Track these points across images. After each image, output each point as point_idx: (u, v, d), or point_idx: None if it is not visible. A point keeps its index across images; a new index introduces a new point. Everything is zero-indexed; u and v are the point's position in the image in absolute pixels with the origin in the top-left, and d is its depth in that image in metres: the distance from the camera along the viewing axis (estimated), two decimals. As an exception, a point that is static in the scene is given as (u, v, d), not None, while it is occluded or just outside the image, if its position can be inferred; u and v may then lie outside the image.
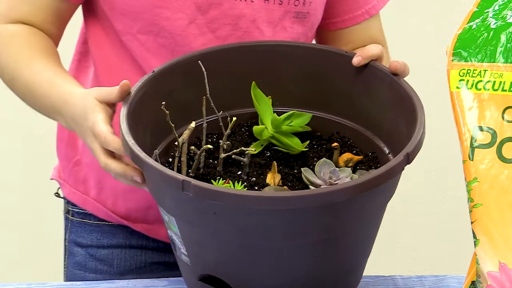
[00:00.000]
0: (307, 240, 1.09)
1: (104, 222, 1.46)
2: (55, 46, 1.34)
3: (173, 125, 1.16)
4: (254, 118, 1.29)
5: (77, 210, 1.48)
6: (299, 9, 1.33)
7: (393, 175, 1.07)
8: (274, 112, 1.26)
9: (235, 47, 1.27)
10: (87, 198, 1.46)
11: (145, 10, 1.28)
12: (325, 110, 1.30)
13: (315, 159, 1.24)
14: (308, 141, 1.26)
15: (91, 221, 1.47)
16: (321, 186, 1.16)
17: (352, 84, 1.27)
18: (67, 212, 1.51)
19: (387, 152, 1.23)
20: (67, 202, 1.50)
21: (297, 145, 1.23)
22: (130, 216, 1.44)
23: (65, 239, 1.52)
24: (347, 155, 1.24)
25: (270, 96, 1.26)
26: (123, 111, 1.14)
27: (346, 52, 1.28)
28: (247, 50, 1.28)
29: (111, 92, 1.15)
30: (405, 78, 1.23)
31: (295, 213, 1.05)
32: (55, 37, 1.35)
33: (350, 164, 1.23)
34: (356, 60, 1.25)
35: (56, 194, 1.54)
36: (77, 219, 1.49)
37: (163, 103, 1.15)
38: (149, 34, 1.30)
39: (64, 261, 1.53)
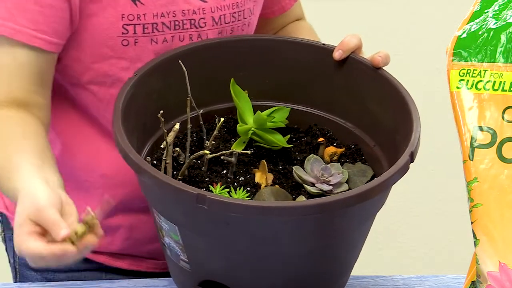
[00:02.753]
0: (312, 244, 1.10)
1: None
2: (43, 126, 1.23)
3: (165, 131, 1.15)
4: (231, 113, 1.29)
5: None
6: (245, 31, 1.33)
7: (402, 174, 1.08)
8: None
9: (212, 43, 1.27)
10: None
11: (97, 60, 1.25)
12: (302, 103, 1.30)
13: (297, 153, 1.25)
14: (289, 135, 1.26)
15: None
16: (315, 184, 1.17)
17: (332, 77, 1.27)
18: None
19: (373, 144, 1.24)
20: None
21: (280, 141, 1.23)
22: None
23: (13, 260, 1.45)
24: (331, 149, 1.25)
25: (246, 91, 1.26)
26: (116, 118, 1.12)
27: (324, 44, 1.28)
28: (226, 45, 1.28)
29: (52, 226, 1.01)
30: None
31: (308, 219, 1.05)
32: (45, 107, 1.25)
33: (334, 158, 1.24)
34: (338, 54, 1.25)
35: None
36: None
37: (162, 111, 1.14)
38: (101, 85, 1.27)
39: (15, 282, 1.46)
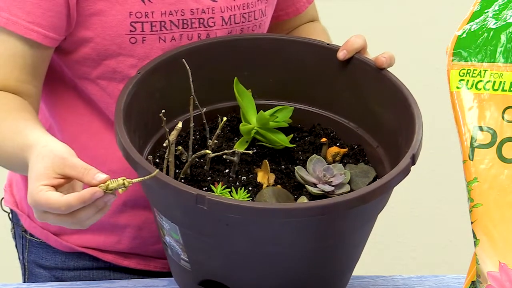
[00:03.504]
0: (312, 246, 1.10)
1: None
2: (33, 107, 1.24)
3: (167, 130, 1.15)
4: (234, 112, 1.29)
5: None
6: (256, 32, 1.33)
7: (404, 176, 1.08)
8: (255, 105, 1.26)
9: (216, 42, 1.27)
10: (49, 233, 1.40)
11: (106, 57, 1.25)
12: (305, 102, 1.30)
13: (300, 153, 1.24)
14: (292, 135, 1.26)
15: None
16: (317, 185, 1.17)
17: (335, 77, 1.27)
18: (24, 231, 1.45)
19: (376, 145, 1.24)
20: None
21: (283, 141, 1.23)
22: (98, 248, 1.40)
23: (22, 258, 1.46)
24: (334, 149, 1.24)
25: (250, 90, 1.26)
26: (118, 118, 1.12)
27: (328, 44, 1.28)
28: (228, 45, 1.28)
29: (81, 174, 1.03)
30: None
31: (307, 220, 1.05)
32: (35, 97, 1.25)
33: (337, 158, 1.24)
34: (342, 54, 1.25)
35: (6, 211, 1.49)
36: (37, 239, 1.43)
37: (163, 111, 1.14)
38: (110, 81, 1.27)
39: (24, 281, 1.47)
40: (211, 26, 1.27)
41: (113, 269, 1.42)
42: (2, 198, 1.48)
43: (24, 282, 1.47)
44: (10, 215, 1.49)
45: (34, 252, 1.44)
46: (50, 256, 1.42)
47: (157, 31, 1.24)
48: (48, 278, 1.43)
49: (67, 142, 1.31)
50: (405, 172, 1.08)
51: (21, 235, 1.45)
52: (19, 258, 1.48)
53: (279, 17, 1.42)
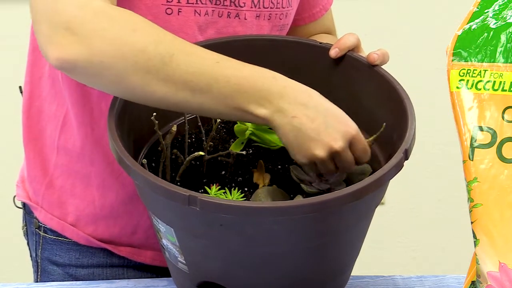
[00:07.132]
0: (308, 244, 1.09)
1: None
2: None
3: (160, 133, 1.15)
4: None
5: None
6: (282, 22, 1.34)
7: (396, 171, 1.08)
8: None
9: (211, 44, 1.26)
10: (65, 224, 1.40)
11: None
12: None
13: None
14: None
15: (67, 239, 1.41)
16: (313, 183, 1.17)
17: (329, 75, 1.27)
18: (37, 227, 1.44)
19: (371, 142, 1.24)
20: (40, 222, 1.43)
21: (278, 141, 1.22)
22: (113, 241, 1.40)
23: (36, 255, 1.45)
24: None
25: None
26: (111, 122, 1.11)
27: (320, 43, 1.28)
28: (223, 45, 1.27)
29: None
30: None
31: (302, 218, 1.05)
32: None
33: None
34: (334, 52, 1.25)
35: (20, 206, 1.48)
36: (51, 236, 1.42)
37: (155, 114, 1.14)
38: None
39: (36, 279, 1.46)
40: (241, 6, 1.27)
41: (127, 267, 1.42)
42: (14, 196, 1.47)
43: (36, 280, 1.46)
44: (23, 209, 1.47)
45: (48, 249, 1.43)
46: (64, 253, 1.42)
47: (193, 3, 1.23)
48: (61, 276, 1.42)
49: (84, 130, 1.32)
50: (398, 167, 1.08)
51: (34, 232, 1.45)
52: (31, 256, 1.47)
53: (295, 22, 1.42)
